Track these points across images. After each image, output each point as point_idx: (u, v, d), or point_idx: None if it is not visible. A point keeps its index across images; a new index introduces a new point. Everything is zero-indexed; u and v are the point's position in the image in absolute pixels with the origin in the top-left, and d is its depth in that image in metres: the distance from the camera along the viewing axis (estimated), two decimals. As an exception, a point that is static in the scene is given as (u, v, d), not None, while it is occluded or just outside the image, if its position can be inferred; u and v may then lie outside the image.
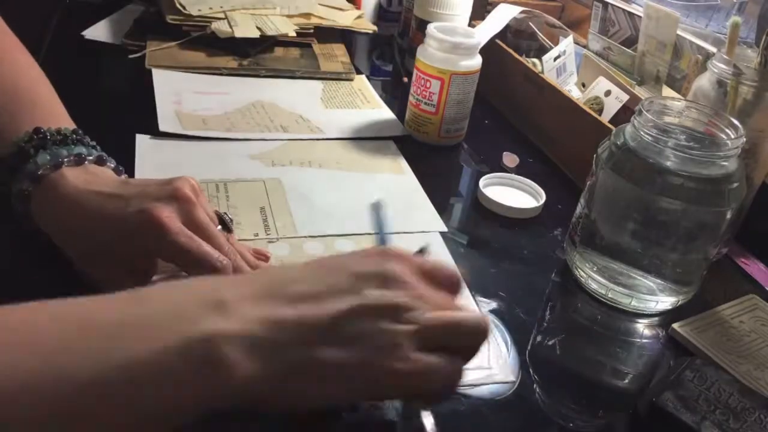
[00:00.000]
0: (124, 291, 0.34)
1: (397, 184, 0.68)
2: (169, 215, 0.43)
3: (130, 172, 0.59)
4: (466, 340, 0.38)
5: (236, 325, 0.33)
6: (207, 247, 0.44)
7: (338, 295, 0.36)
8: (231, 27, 0.87)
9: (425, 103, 0.75)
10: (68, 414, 0.29)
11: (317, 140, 0.73)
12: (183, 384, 0.31)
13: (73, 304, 0.32)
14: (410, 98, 0.77)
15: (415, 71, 0.75)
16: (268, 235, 0.56)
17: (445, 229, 0.61)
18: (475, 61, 0.74)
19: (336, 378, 0.34)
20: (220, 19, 0.89)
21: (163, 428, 0.32)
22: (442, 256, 0.58)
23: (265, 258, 0.52)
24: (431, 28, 0.73)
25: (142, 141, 0.67)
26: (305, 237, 0.57)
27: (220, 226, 0.48)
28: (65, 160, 0.46)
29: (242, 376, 0.32)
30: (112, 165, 0.50)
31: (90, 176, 0.47)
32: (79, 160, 0.47)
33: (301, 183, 0.64)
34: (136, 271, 0.46)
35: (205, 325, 0.32)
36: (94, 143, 0.50)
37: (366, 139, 0.75)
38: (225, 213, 0.50)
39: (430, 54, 0.73)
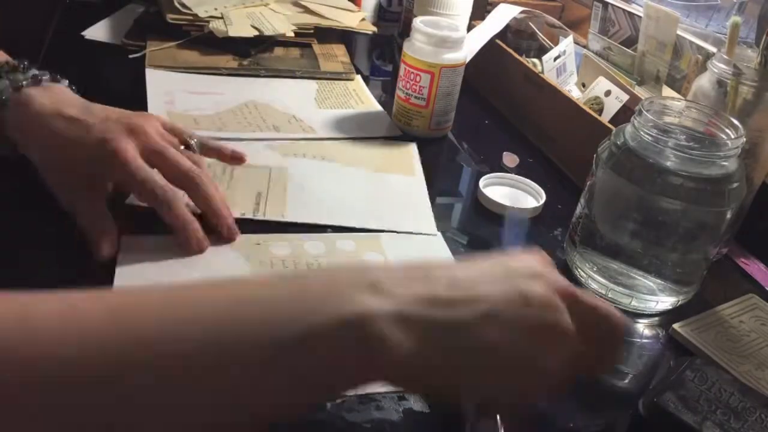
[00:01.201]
0: (275, 273, 0.38)
1: (405, 185, 0.68)
2: (125, 147, 0.48)
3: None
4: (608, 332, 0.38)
5: (391, 302, 0.32)
6: (156, 177, 0.49)
7: (493, 283, 0.35)
8: (226, 26, 0.87)
9: (415, 97, 0.75)
10: (230, 384, 0.29)
11: (314, 140, 0.73)
12: (340, 357, 0.31)
13: (225, 284, 0.34)
14: (398, 92, 0.77)
15: (402, 66, 0.75)
16: (255, 216, 0.57)
17: (436, 231, 0.61)
18: (462, 54, 0.75)
19: (489, 360, 0.33)
20: (218, 18, 0.89)
21: (312, 404, 0.34)
22: (442, 255, 0.58)
23: (239, 159, 0.59)
24: (417, 23, 0.74)
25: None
26: (305, 237, 0.56)
27: (183, 146, 0.54)
28: (23, 82, 0.51)
29: (397, 351, 0.31)
30: (66, 83, 0.54)
31: (53, 95, 0.51)
32: (36, 81, 0.51)
33: (308, 175, 0.65)
34: (91, 193, 0.51)
35: (360, 302, 0.32)
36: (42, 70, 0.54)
37: (361, 139, 0.75)
38: (190, 137, 0.55)
39: (419, 48, 0.73)
